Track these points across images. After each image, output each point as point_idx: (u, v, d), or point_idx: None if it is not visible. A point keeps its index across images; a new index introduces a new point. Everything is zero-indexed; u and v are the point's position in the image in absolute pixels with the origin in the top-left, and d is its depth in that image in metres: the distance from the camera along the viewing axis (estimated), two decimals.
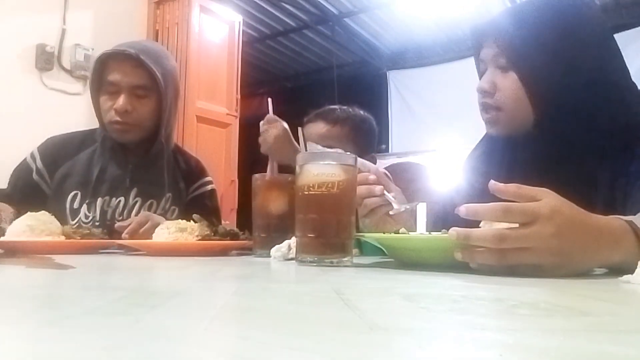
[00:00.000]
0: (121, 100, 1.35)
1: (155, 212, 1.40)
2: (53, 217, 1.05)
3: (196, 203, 1.51)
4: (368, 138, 1.38)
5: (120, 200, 1.37)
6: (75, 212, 1.34)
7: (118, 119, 1.35)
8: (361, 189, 0.93)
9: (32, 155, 1.40)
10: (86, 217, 1.34)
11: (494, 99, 0.93)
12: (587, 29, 0.89)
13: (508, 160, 0.99)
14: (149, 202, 1.41)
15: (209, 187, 1.59)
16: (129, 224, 1.19)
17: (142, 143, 1.43)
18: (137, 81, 1.36)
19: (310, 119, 1.39)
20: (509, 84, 0.91)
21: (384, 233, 0.88)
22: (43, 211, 1.04)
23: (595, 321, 0.35)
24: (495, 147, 1.04)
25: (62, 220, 1.18)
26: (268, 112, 1.20)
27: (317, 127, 1.36)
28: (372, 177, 0.94)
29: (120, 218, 1.36)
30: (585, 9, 0.91)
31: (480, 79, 0.99)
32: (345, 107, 1.42)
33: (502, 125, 0.94)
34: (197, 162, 1.63)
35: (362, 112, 1.45)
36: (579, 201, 0.63)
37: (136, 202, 1.39)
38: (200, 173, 1.59)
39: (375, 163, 1.36)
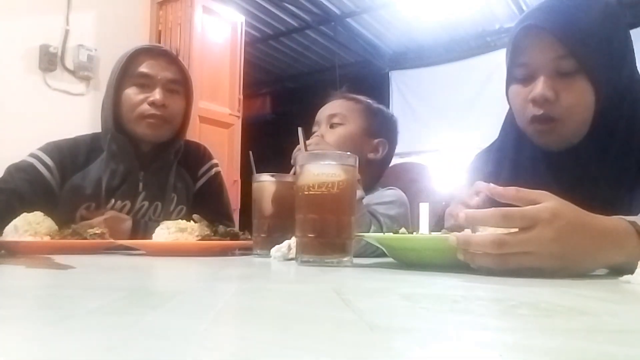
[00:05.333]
0: (158, 94, 1.33)
1: (160, 214, 1.39)
2: (47, 217, 1.04)
3: (203, 192, 1.49)
4: (379, 123, 1.37)
5: (126, 204, 1.35)
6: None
7: (154, 112, 1.33)
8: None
9: (37, 157, 1.32)
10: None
11: (555, 109, 0.83)
12: (625, 26, 0.85)
13: (545, 176, 0.90)
14: (154, 205, 1.39)
15: (213, 171, 1.54)
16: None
17: (156, 145, 1.40)
18: (172, 75, 1.37)
19: (330, 98, 1.39)
20: (578, 90, 0.81)
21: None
22: (36, 212, 1.04)
23: (595, 321, 0.34)
24: (522, 157, 0.95)
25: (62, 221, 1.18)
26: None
27: (333, 102, 1.36)
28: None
29: None
30: (614, 6, 0.86)
31: (509, 84, 0.91)
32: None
33: (557, 137, 0.85)
34: (197, 146, 1.59)
35: (382, 106, 1.45)
36: (620, 212, 0.62)
37: (143, 206, 1.37)
38: (202, 158, 1.55)
39: (386, 148, 1.35)
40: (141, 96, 1.34)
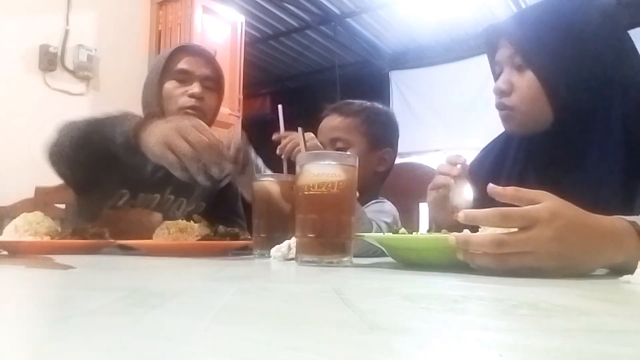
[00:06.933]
0: (196, 87, 1.38)
1: (181, 210, 1.42)
2: (47, 217, 1.04)
3: (225, 191, 1.53)
4: (382, 131, 1.37)
5: (156, 197, 1.38)
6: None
7: (194, 104, 1.37)
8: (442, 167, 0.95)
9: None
10: None
11: (510, 99, 0.92)
12: (603, 26, 0.88)
13: (521, 161, 0.99)
14: (179, 201, 1.42)
15: None
16: None
17: None
18: (208, 73, 1.43)
19: (326, 112, 1.40)
20: (526, 83, 0.90)
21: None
22: (36, 212, 1.04)
23: (595, 321, 0.34)
24: (508, 148, 1.03)
25: (91, 213, 1.19)
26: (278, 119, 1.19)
27: (330, 120, 1.37)
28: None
29: None
30: (599, 6, 0.90)
31: (495, 80, 0.98)
32: (362, 102, 1.43)
33: (519, 124, 0.94)
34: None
35: (380, 106, 1.46)
36: (590, 203, 0.62)
37: (169, 199, 1.41)
38: None
39: (391, 156, 1.36)
40: (181, 89, 1.38)
